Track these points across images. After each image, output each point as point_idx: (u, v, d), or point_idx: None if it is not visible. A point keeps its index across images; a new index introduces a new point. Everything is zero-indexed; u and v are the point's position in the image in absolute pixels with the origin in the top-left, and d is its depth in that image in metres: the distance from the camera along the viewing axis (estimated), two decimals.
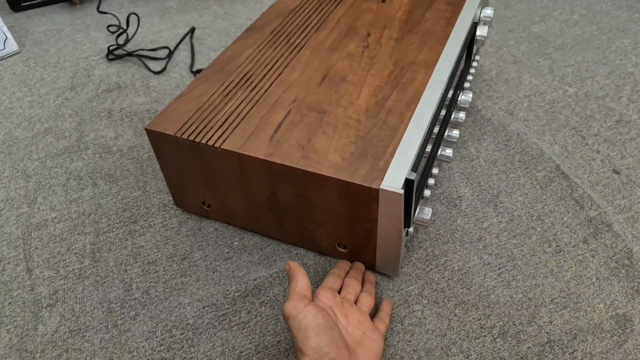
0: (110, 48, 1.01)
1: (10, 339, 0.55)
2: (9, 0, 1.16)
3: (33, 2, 1.18)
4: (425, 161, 0.58)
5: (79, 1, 1.17)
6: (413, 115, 0.54)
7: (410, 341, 0.53)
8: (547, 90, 0.84)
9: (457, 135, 0.64)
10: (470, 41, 0.70)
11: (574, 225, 0.63)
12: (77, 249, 0.64)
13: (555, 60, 0.91)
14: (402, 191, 0.46)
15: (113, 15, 1.11)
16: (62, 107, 0.89)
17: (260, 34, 0.71)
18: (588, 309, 0.54)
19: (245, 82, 0.61)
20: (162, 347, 0.53)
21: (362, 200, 0.48)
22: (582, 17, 1.02)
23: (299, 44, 0.68)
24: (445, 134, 0.64)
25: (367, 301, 0.53)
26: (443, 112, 0.62)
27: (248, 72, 0.63)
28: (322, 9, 0.75)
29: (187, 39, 1.05)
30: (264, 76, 0.62)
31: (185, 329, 0.55)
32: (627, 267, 0.58)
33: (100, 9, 1.14)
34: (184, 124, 0.55)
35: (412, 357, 0.51)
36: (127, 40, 1.03)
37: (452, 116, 0.67)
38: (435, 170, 0.61)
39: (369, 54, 0.64)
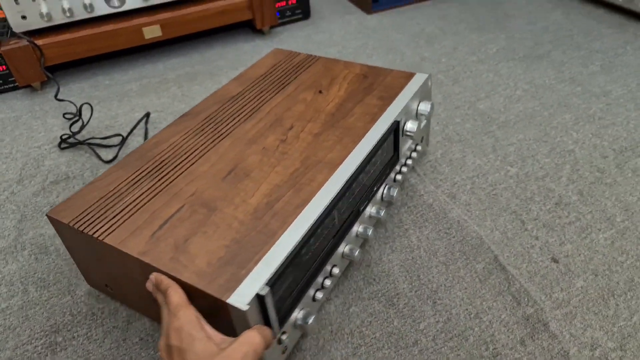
0: (63, 137, 1.02)
1: None
2: None
3: None
4: (313, 264, 0.56)
5: (39, 87, 1.19)
6: (295, 220, 0.53)
7: None
8: (490, 171, 0.85)
9: (369, 234, 0.64)
10: (396, 137, 0.71)
11: (512, 324, 0.61)
12: None
13: (499, 138, 0.93)
14: (246, 307, 0.44)
15: (70, 102, 1.12)
16: (6, 203, 0.88)
17: (192, 120, 0.73)
18: None
19: (157, 171, 0.63)
20: None
21: (218, 309, 0.47)
22: (525, 92, 1.05)
23: (223, 133, 0.69)
24: (357, 230, 0.64)
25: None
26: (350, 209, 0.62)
27: (164, 160, 0.65)
28: (260, 97, 0.77)
29: (142, 123, 1.07)
30: (177, 166, 0.63)
31: None
32: None
33: (59, 97, 1.15)
34: (81, 213, 0.57)
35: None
36: (81, 128, 1.03)
37: (371, 212, 0.67)
38: (336, 270, 0.60)
39: (282, 149, 0.64)
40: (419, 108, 0.76)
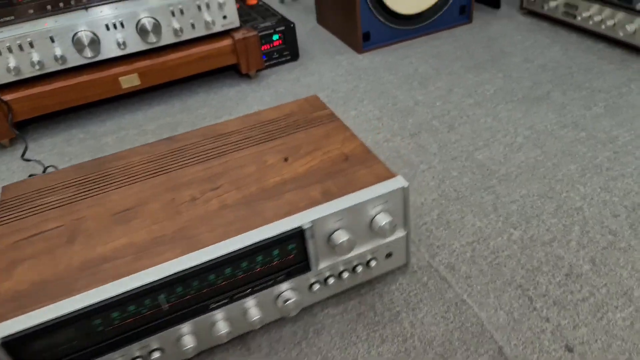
0: None
1: None
2: None
3: None
4: None
5: (8, 144, 1.12)
6: (103, 287, 0.51)
7: None
8: (492, 235, 0.77)
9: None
10: (303, 244, 0.58)
11: None
12: None
13: (500, 194, 0.85)
14: None
15: (38, 162, 1.05)
16: None
17: (157, 147, 0.75)
18: None
19: (88, 184, 0.69)
20: None
21: None
22: (527, 140, 0.98)
23: (165, 170, 0.70)
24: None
25: None
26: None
27: (101, 177, 0.70)
28: (236, 144, 0.74)
29: None
30: (100, 187, 0.69)
31: None
32: None
33: (27, 156, 1.08)
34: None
35: None
36: None
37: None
38: (156, 355, 0.56)
39: (182, 208, 0.62)
40: (373, 221, 0.61)
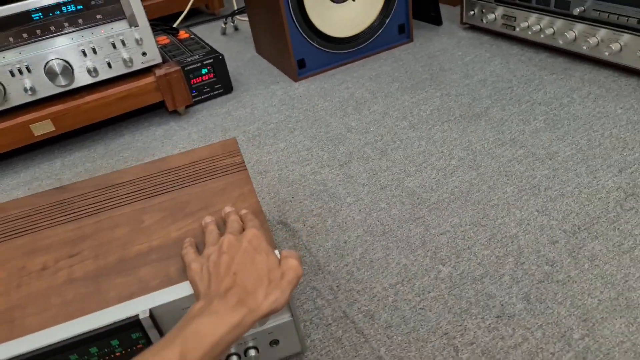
0: None
1: None
2: None
3: None
4: None
5: None
6: None
7: None
8: (417, 274, 0.69)
9: None
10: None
11: None
12: None
13: (429, 225, 0.77)
14: None
15: None
16: None
17: (38, 199, 0.67)
18: None
19: None
20: None
21: None
22: (461, 162, 0.91)
23: (27, 230, 0.61)
24: None
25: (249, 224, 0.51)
26: None
27: None
28: (125, 198, 0.65)
29: None
30: None
31: None
32: None
33: None
34: None
35: None
36: None
37: None
38: None
39: (25, 280, 0.52)
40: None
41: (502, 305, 0.63)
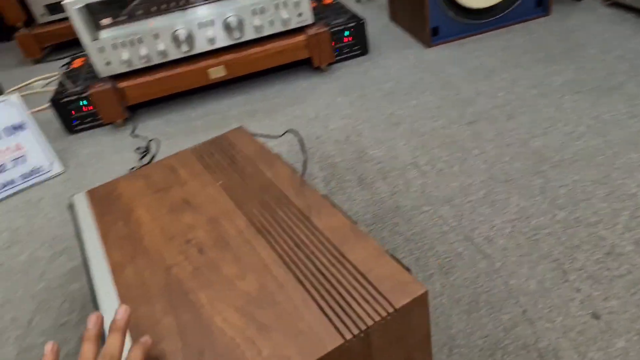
0: (132, 169, 1.13)
1: None
2: (65, 126, 1.35)
3: (85, 125, 1.36)
4: None
5: (121, 124, 1.33)
6: None
7: None
8: (534, 214, 0.80)
9: None
10: None
11: None
12: None
13: (550, 179, 0.86)
14: None
15: (143, 138, 1.25)
16: None
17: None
18: None
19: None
20: None
21: None
22: (589, 129, 0.97)
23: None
24: None
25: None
26: None
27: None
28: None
29: None
30: None
31: None
32: None
33: (135, 133, 1.29)
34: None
35: None
36: (150, 160, 1.15)
37: None
38: None
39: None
40: None
41: (612, 246, 0.72)
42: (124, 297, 0.57)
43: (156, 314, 0.54)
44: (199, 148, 0.85)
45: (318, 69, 1.43)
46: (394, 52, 1.46)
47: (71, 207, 0.76)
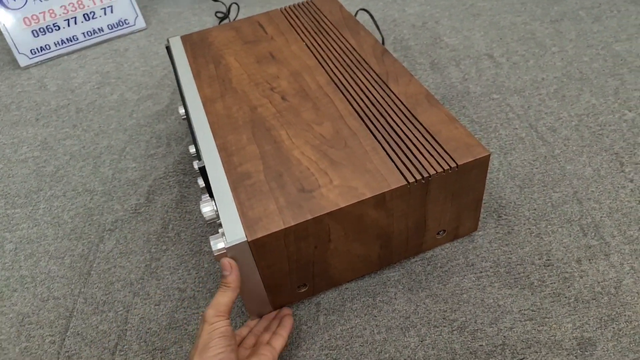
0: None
1: (82, 249, 0.73)
2: None
3: None
4: None
5: None
6: None
7: (376, 316, 0.59)
8: (604, 112, 0.81)
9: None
10: None
11: (572, 247, 0.63)
12: (140, 192, 0.80)
13: (626, 82, 0.86)
14: None
15: (222, 3, 1.28)
16: (164, 78, 1.08)
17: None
18: (554, 325, 0.56)
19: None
20: (181, 281, 0.67)
21: None
22: None
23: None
24: None
25: (275, 340, 0.54)
26: None
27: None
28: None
29: None
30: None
31: (200, 270, 0.68)
32: (611, 296, 0.57)
33: None
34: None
35: (373, 330, 0.58)
36: None
37: None
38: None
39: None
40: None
41: None
42: (213, 125, 0.65)
43: (242, 141, 0.62)
44: (288, 9, 0.88)
45: None
46: None
47: (168, 48, 0.83)
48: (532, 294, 0.59)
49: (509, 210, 0.68)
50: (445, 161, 0.55)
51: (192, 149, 0.66)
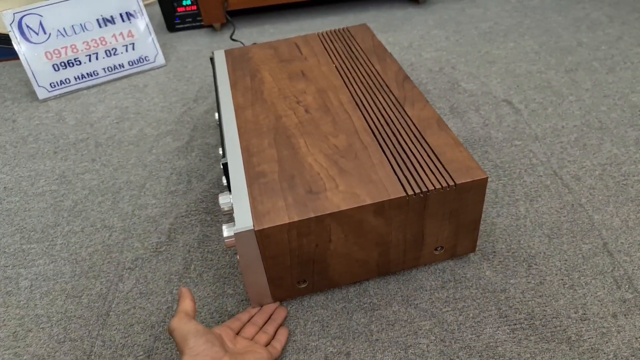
0: None
1: (100, 288, 0.71)
2: (167, 23, 1.43)
3: (184, 25, 1.43)
4: None
5: (219, 27, 1.40)
6: None
7: None
8: (626, 162, 0.82)
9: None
10: None
11: (607, 301, 0.62)
12: (160, 229, 0.79)
13: None
14: None
15: (241, 42, 1.31)
16: (184, 115, 1.08)
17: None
18: None
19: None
20: (202, 322, 0.65)
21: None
22: None
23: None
24: None
25: (261, 337, 0.59)
26: None
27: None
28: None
29: None
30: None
31: (223, 314, 0.66)
32: None
33: (233, 37, 1.35)
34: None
35: None
36: None
37: None
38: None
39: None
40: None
41: None
42: (241, 129, 0.71)
43: (263, 145, 0.67)
44: (324, 34, 0.94)
45: (414, 1, 1.43)
46: None
47: (211, 59, 0.91)
48: (570, 349, 0.57)
49: (539, 260, 0.68)
50: (445, 179, 0.59)
51: (220, 151, 0.72)
